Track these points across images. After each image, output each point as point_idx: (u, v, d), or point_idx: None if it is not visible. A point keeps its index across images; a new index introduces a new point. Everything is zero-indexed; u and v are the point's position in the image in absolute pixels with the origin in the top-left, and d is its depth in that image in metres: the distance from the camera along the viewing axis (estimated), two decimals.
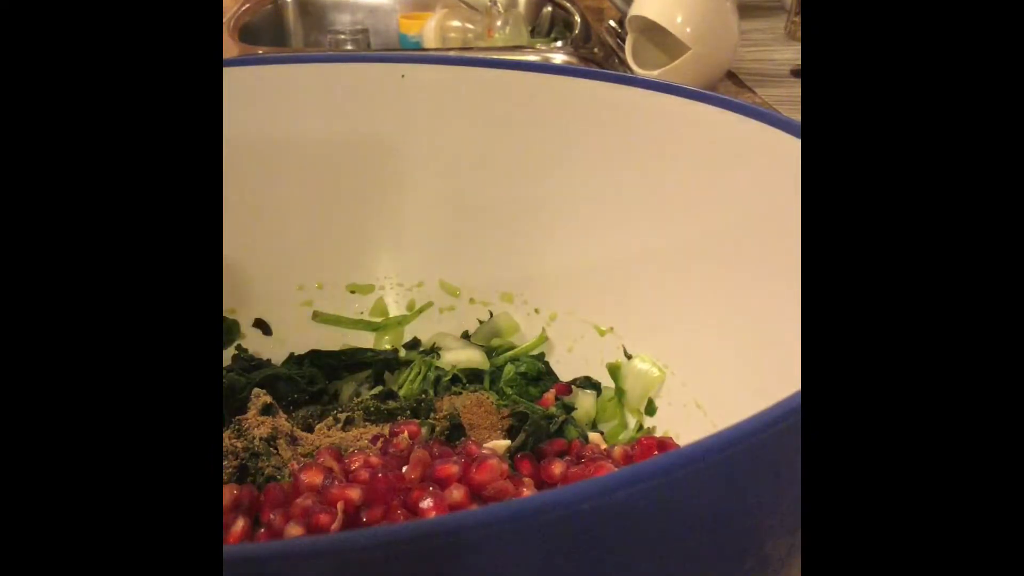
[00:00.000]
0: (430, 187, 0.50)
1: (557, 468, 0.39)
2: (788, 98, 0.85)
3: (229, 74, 0.46)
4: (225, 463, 0.39)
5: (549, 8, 1.19)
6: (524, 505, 0.19)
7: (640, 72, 0.84)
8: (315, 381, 0.48)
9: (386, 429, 0.42)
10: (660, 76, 0.80)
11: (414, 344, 0.52)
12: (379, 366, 0.50)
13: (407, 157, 0.50)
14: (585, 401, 0.48)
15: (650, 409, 0.46)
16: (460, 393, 0.46)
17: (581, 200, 0.47)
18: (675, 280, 0.44)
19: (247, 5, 1.13)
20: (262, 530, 0.35)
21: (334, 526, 0.33)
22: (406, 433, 0.41)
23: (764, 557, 0.24)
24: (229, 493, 0.35)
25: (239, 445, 0.40)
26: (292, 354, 0.51)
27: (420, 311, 0.52)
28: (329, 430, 0.43)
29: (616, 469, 0.28)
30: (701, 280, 0.43)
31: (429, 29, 1.11)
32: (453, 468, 0.35)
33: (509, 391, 0.48)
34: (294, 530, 0.33)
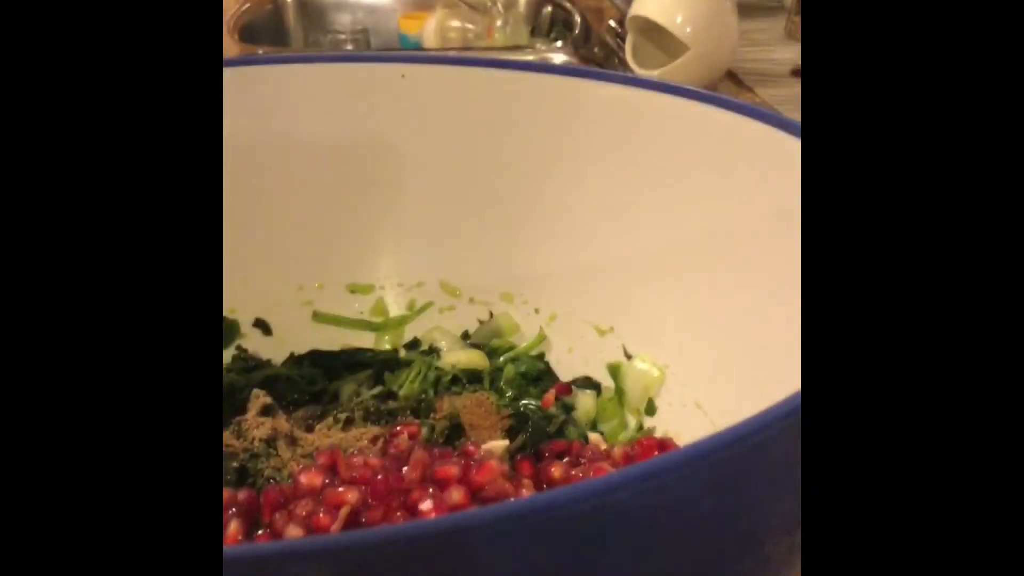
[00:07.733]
0: (430, 187, 0.50)
1: (557, 469, 0.39)
2: (788, 98, 0.85)
3: (229, 74, 0.46)
4: (224, 464, 0.39)
5: (549, 8, 1.19)
6: (524, 505, 0.19)
7: (640, 72, 0.84)
8: (315, 381, 0.48)
9: (386, 429, 0.42)
10: (660, 76, 0.80)
11: (414, 344, 0.52)
12: (379, 366, 0.50)
13: (407, 157, 0.50)
14: (585, 401, 0.48)
15: (650, 409, 0.46)
16: (460, 393, 0.46)
17: (581, 200, 0.47)
18: (675, 280, 0.44)
19: (247, 5, 1.13)
20: (262, 531, 0.35)
21: (334, 527, 0.33)
22: (406, 434, 0.41)
23: (764, 557, 0.24)
24: (225, 494, 0.35)
25: (238, 446, 0.40)
26: (292, 354, 0.51)
27: (420, 311, 0.52)
28: (329, 430, 0.43)
29: (616, 469, 0.28)
30: (701, 280, 0.43)
31: (429, 29, 1.11)
32: (453, 469, 0.35)
33: (509, 391, 0.48)
34: (294, 531, 0.33)
